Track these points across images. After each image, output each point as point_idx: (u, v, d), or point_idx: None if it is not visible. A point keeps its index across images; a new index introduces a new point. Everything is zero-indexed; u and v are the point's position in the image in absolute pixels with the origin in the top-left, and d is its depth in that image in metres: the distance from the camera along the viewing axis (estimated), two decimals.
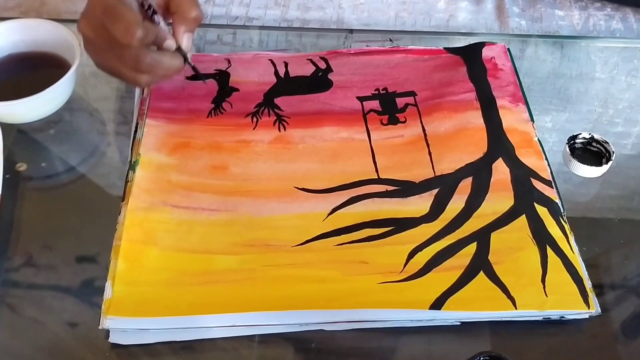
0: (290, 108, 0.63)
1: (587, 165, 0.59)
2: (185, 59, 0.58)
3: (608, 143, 0.60)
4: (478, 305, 0.50)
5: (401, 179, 0.58)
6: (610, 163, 0.59)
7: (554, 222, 0.55)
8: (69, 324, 0.50)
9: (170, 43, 0.56)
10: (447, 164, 0.58)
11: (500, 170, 0.58)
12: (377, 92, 0.64)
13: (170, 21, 0.57)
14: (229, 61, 0.66)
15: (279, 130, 0.61)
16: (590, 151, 0.61)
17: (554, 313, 0.50)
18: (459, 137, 0.60)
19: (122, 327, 0.49)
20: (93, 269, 0.53)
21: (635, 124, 0.65)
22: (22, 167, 0.60)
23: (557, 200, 0.57)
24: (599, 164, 0.60)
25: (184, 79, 0.65)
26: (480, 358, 0.45)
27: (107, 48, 0.55)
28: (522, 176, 0.58)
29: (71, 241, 0.55)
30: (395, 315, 0.50)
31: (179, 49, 0.57)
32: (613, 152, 0.59)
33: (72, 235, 0.55)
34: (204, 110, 0.62)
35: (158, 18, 0.56)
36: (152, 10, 0.55)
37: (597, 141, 0.61)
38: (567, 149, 0.60)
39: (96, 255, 0.54)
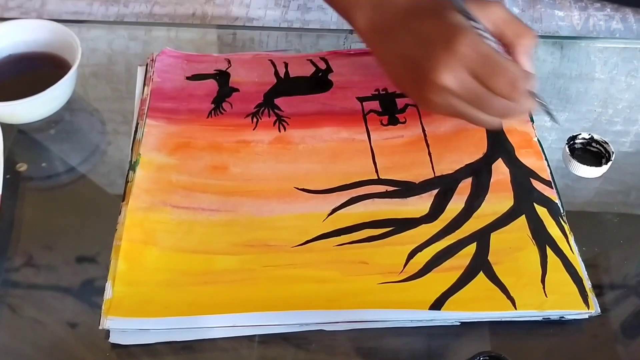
0: (290, 108, 0.63)
1: (587, 165, 0.59)
2: (537, 98, 0.53)
3: (607, 143, 0.60)
4: (478, 305, 0.50)
5: (401, 179, 0.58)
6: (610, 163, 0.59)
7: (554, 223, 0.55)
8: (69, 324, 0.50)
9: (533, 84, 0.51)
10: (447, 165, 0.59)
11: (500, 170, 0.58)
12: (377, 92, 0.64)
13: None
14: (229, 61, 0.66)
15: (279, 130, 0.61)
16: (590, 151, 0.61)
17: (553, 313, 0.50)
18: (459, 138, 0.60)
19: (122, 327, 0.49)
20: (93, 269, 0.53)
21: (635, 124, 0.65)
22: (22, 167, 0.60)
23: (557, 201, 0.57)
24: (599, 164, 0.60)
25: (184, 79, 0.65)
26: (480, 358, 0.45)
27: (470, 99, 0.51)
28: (521, 176, 0.58)
29: (71, 241, 0.55)
30: (395, 316, 0.50)
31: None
32: (612, 153, 0.60)
33: (72, 235, 0.55)
34: (204, 111, 0.62)
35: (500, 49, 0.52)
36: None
37: (597, 141, 0.61)
38: (567, 150, 0.60)
39: (96, 256, 0.54)
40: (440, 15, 0.52)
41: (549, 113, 0.55)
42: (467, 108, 0.52)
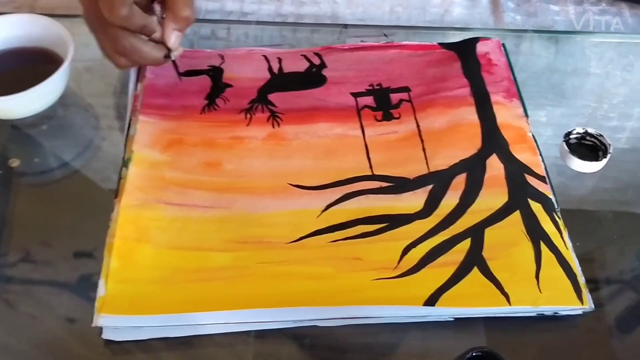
0: (284, 104, 0.63)
1: (586, 160, 0.59)
2: (167, 55, 0.57)
3: (603, 136, 0.60)
4: (472, 301, 0.50)
5: (395, 175, 0.58)
6: (608, 156, 0.59)
7: (548, 218, 0.55)
8: (65, 320, 0.50)
9: (156, 35, 0.56)
10: (441, 160, 0.58)
11: (494, 166, 0.58)
12: (371, 88, 0.64)
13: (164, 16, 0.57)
14: (222, 57, 0.66)
15: (273, 126, 0.61)
16: (585, 145, 0.61)
17: (547, 309, 0.50)
18: (453, 133, 0.60)
19: (115, 325, 0.49)
20: (88, 265, 0.53)
21: (630, 119, 0.65)
22: (15, 162, 0.59)
23: (551, 196, 0.57)
24: (595, 158, 0.60)
25: (177, 76, 0.64)
26: (473, 354, 0.45)
27: (96, 21, 0.55)
28: (516, 172, 0.58)
29: (66, 237, 0.55)
30: (389, 312, 0.50)
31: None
32: (610, 145, 0.59)
33: (66, 231, 0.55)
34: (198, 107, 0.62)
35: (157, 10, 0.56)
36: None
37: (591, 135, 0.61)
38: (565, 146, 0.60)
39: (91, 251, 0.53)
40: None
41: (178, 72, 0.60)
42: (98, 33, 0.56)
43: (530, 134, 0.61)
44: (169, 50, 0.57)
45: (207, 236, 0.53)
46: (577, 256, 0.53)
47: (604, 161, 0.59)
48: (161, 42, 0.56)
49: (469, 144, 0.59)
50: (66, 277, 0.52)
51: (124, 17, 0.52)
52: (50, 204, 0.58)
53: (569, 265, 0.52)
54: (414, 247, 0.53)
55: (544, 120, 0.64)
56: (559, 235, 0.54)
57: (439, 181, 0.57)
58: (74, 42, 0.60)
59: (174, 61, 0.59)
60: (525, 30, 0.71)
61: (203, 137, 0.60)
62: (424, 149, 0.59)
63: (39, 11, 0.69)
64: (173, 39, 0.56)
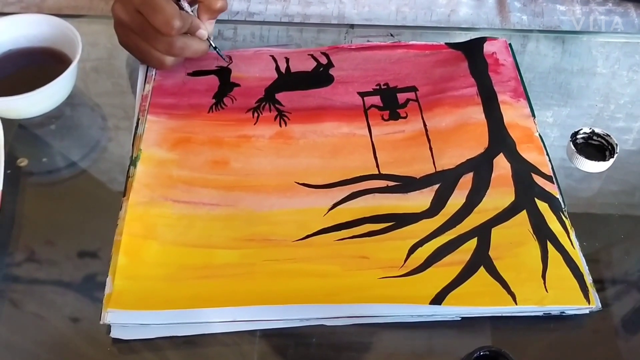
0: (291, 103, 0.63)
1: (593, 160, 0.59)
2: (210, 44, 0.63)
3: (610, 136, 0.60)
4: (478, 300, 0.50)
5: (402, 174, 0.58)
6: (615, 156, 0.59)
7: (555, 218, 0.55)
8: (71, 319, 0.51)
9: (203, 32, 0.61)
10: (448, 160, 0.58)
11: (501, 165, 0.58)
12: (378, 87, 0.64)
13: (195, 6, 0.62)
14: (230, 57, 0.66)
15: (280, 125, 0.61)
16: (592, 145, 0.61)
17: (554, 308, 0.50)
18: (460, 133, 0.60)
19: (122, 320, 0.49)
20: (95, 264, 0.53)
21: (637, 119, 0.65)
22: (23, 162, 0.60)
23: (558, 196, 0.57)
24: (602, 158, 0.60)
25: (185, 75, 0.65)
26: (480, 353, 0.45)
27: (139, 32, 0.59)
28: (523, 171, 0.58)
29: (72, 236, 0.55)
30: (395, 310, 0.50)
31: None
32: (617, 145, 0.59)
33: (73, 230, 0.55)
34: (205, 106, 0.62)
35: (187, 7, 0.60)
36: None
37: (598, 134, 0.61)
38: (572, 146, 0.60)
39: (98, 250, 0.54)
40: None
41: (219, 55, 0.65)
42: (140, 42, 0.60)
43: (537, 134, 0.61)
44: (209, 40, 0.62)
45: (214, 234, 0.53)
46: (584, 256, 0.53)
47: (611, 161, 0.59)
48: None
49: (476, 144, 0.59)
50: (72, 277, 0.52)
51: (180, 28, 0.57)
52: (57, 203, 0.58)
53: (576, 264, 0.52)
54: (421, 246, 0.53)
55: (550, 120, 0.64)
56: (565, 234, 0.54)
57: (445, 180, 0.57)
58: (82, 41, 0.61)
59: (215, 47, 0.64)
60: (532, 30, 0.71)
61: (210, 135, 0.60)
62: (430, 149, 0.59)
63: (46, 11, 0.70)
64: (209, 28, 0.62)
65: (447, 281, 0.51)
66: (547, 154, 0.59)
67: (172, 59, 0.61)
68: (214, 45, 0.63)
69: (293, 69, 0.65)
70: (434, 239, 0.54)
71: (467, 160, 0.58)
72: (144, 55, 0.61)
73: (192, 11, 0.61)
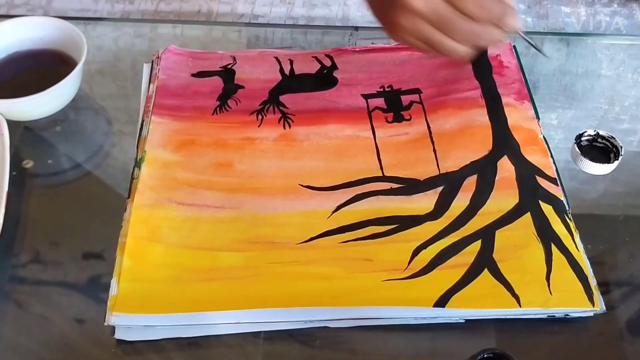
0: (295, 105, 0.63)
1: (598, 162, 0.59)
2: (523, 36, 0.58)
3: (614, 138, 0.60)
4: (482, 303, 0.50)
5: (406, 176, 0.58)
6: (620, 158, 0.59)
7: (559, 220, 0.55)
8: (76, 321, 0.51)
9: (519, 25, 0.55)
10: (452, 162, 0.58)
11: (505, 168, 0.58)
12: (382, 89, 0.64)
13: None
14: (234, 58, 0.66)
15: (284, 127, 0.61)
16: (597, 147, 0.61)
17: (558, 311, 0.50)
18: (464, 135, 0.60)
19: (127, 323, 0.49)
20: (99, 266, 0.53)
21: None
22: (28, 164, 0.60)
23: (562, 198, 0.56)
24: (607, 160, 0.60)
25: (190, 76, 0.65)
26: (484, 355, 0.45)
27: (441, 20, 0.53)
28: (527, 174, 0.58)
29: (77, 238, 0.55)
30: (399, 313, 0.50)
31: None
32: (621, 147, 0.59)
33: (78, 232, 0.56)
34: (209, 108, 0.62)
35: None
36: None
37: (603, 137, 0.60)
38: (576, 148, 0.60)
39: (102, 252, 0.54)
40: None
41: (531, 44, 0.60)
42: (435, 34, 0.54)
43: (541, 136, 0.60)
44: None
45: (218, 236, 0.54)
46: (589, 258, 0.53)
47: (616, 163, 0.59)
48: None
49: (480, 146, 0.59)
50: (77, 278, 0.53)
51: (496, 11, 0.53)
52: (62, 204, 0.58)
53: (580, 267, 0.52)
54: (425, 248, 0.53)
55: (555, 123, 0.64)
56: (570, 237, 0.54)
57: (449, 183, 0.57)
58: (87, 44, 0.61)
59: (527, 38, 0.59)
60: (536, 32, 0.71)
61: (214, 137, 0.60)
62: (434, 151, 0.59)
63: (52, 14, 0.70)
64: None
65: (451, 283, 0.51)
66: (552, 156, 0.59)
67: (468, 48, 0.55)
68: (524, 36, 0.58)
69: (297, 71, 0.66)
70: (438, 242, 0.53)
71: (471, 162, 0.58)
72: (433, 46, 0.55)
73: None
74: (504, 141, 0.60)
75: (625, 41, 0.71)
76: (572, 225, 0.55)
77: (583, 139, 0.61)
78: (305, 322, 0.50)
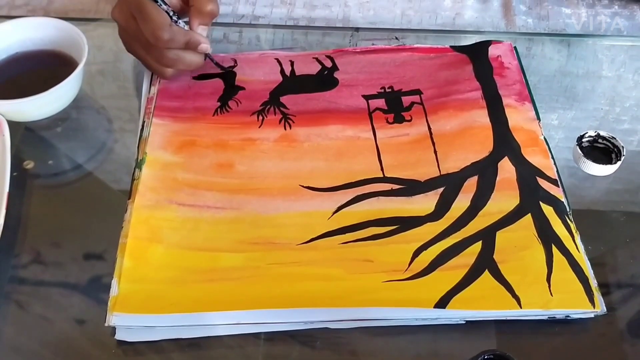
0: (296, 106, 0.63)
1: (599, 163, 0.59)
2: (206, 56, 0.62)
3: (615, 139, 0.60)
4: (483, 304, 0.50)
5: (406, 177, 0.58)
6: (622, 159, 0.59)
7: (560, 221, 0.55)
8: (76, 321, 0.51)
9: (205, 47, 0.60)
10: (453, 163, 0.58)
11: (506, 169, 0.58)
12: (382, 90, 0.64)
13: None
14: (235, 60, 0.66)
15: (285, 128, 0.61)
16: (598, 148, 0.61)
17: (559, 312, 0.50)
18: (465, 136, 0.60)
19: (127, 324, 0.49)
20: (100, 266, 0.53)
21: None
22: (29, 164, 0.60)
23: (563, 199, 0.56)
24: (608, 161, 0.59)
25: (191, 79, 0.65)
26: (484, 357, 0.45)
27: (136, 38, 0.59)
28: (527, 175, 0.58)
29: (78, 238, 0.55)
30: (400, 314, 0.50)
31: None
32: (623, 147, 0.59)
33: (79, 232, 0.56)
34: (210, 109, 0.62)
35: (182, 24, 0.60)
36: (176, 16, 0.59)
37: (604, 137, 0.60)
38: (578, 150, 0.60)
39: (103, 253, 0.54)
40: None
41: (220, 67, 0.64)
42: (139, 50, 0.60)
43: (542, 137, 0.60)
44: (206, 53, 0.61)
45: (219, 237, 0.54)
46: (589, 259, 0.53)
47: (617, 164, 0.59)
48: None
49: (481, 147, 0.59)
50: (78, 279, 0.53)
51: (167, 40, 0.57)
52: (63, 205, 0.58)
53: (581, 268, 0.52)
54: (425, 249, 0.53)
55: (555, 124, 0.64)
56: (570, 238, 0.54)
57: (450, 184, 0.57)
58: (88, 45, 0.61)
59: (216, 62, 0.64)
60: (537, 34, 0.71)
61: (215, 139, 0.60)
62: (435, 152, 0.59)
63: (53, 14, 0.70)
64: (201, 32, 0.61)
65: (451, 285, 0.51)
66: (552, 157, 0.59)
67: (170, 70, 0.61)
68: (213, 59, 0.63)
69: (298, 72, 0.66)
70: (439, 243, 0.54)
71: (472, 163, 0.58)
72: (144, 64, 0.62)
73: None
74: (504, 142, 0.60)
75: (625, 42, 0.71)
76: (572, 226, 0.55)
77: (584, 139, 0.61)
78: (305, 323, 0.50)
